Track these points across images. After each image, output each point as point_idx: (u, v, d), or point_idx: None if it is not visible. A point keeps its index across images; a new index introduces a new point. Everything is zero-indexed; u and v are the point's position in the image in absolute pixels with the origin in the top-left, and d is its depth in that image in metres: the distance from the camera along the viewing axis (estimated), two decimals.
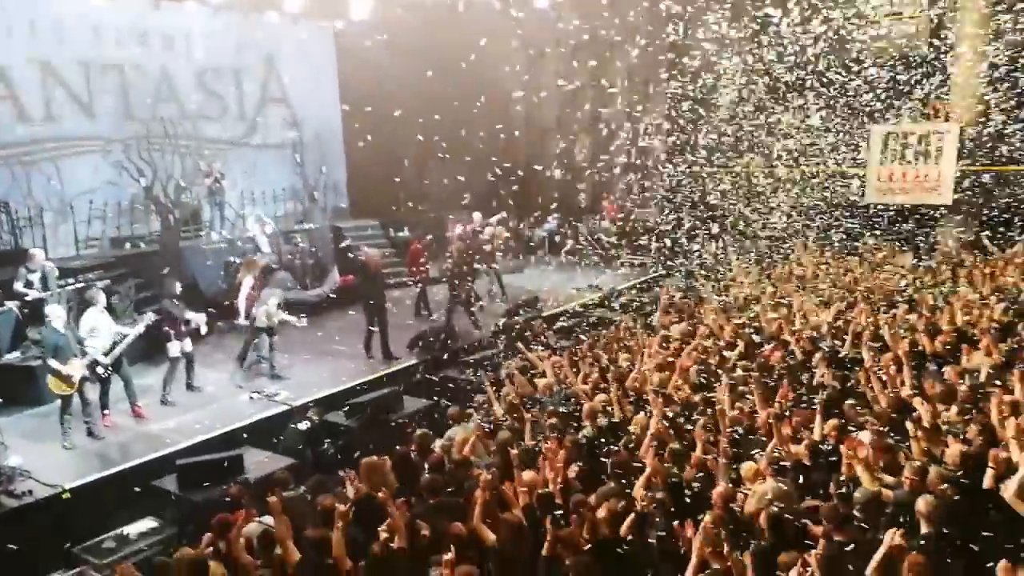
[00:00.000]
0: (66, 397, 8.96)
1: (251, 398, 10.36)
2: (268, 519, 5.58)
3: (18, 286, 10.89)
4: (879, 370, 7.52)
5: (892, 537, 4.67)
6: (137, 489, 7.78)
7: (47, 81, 15.11)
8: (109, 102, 16.02)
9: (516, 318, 13.07)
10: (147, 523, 7.27)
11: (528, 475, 6.02)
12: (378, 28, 16.48)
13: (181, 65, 17.19)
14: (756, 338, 9.56)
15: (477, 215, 16.03)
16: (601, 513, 5.37)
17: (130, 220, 16.21)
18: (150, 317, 10.03)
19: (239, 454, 8.19)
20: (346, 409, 9.49)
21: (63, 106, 15.40)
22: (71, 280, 11.96)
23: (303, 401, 9.86)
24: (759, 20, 17.11)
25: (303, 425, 8.90)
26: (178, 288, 10.80)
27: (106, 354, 9.41)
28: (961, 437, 6.06)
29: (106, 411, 9.64)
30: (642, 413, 7.26)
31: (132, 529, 7.14)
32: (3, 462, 7.91)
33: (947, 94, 15.87)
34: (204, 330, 10.75)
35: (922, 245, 15.47)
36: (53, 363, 8.88)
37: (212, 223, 16.37)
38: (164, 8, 16.47)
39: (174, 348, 10.39)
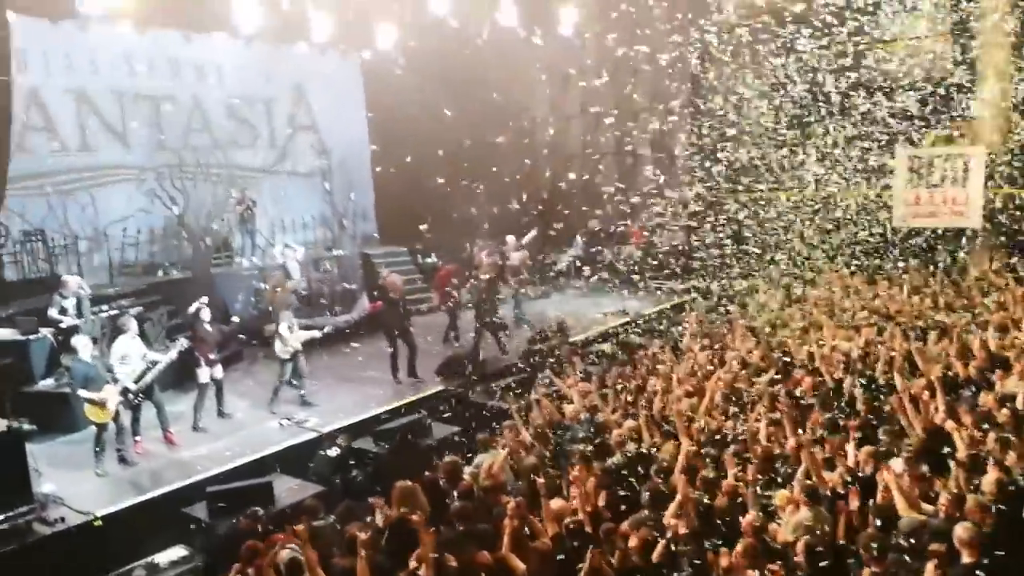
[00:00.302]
0: (102, 425, 9.06)
1: (281, 425, 10.42)
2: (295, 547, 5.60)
3: (52, 312, 11.08)
4: (912, 396, 7.41)
5: (932, 570, 4.58)
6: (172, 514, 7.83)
7: (82, 111, 15.45)
8: (142, 132, 16.33)
9: (543, 344, 13.05)
10: (177, 551, 7.32)
11: (556, 503, 5.99)
12: (404, 57, 16.69)
13: (212, 95, 17.51)
14: (786, 363, 9.48)
15: (511, 239, 16.11)
16: (633, 542, 5.33)
17: (163, 248, 16.46)
18: (183, 343, 10.16)
19: (269, 481, 8.25)
20: (375, 436, 9.51)
21: (98, 136, 15.73)
22: (104, 307, 12.17)
23: (332, 428, 9.90)
24: (784, 44, 17.13)
25: (332, 452, 8.94)
26: (208, 314, 10.92)
27: (136, 381, 9.55)
28: (999, 465, 5.95)
29: (137, 438, 9.75)
30: (672, 441, 7.21)
31: (162, 558, 7.20)
32: (37, 489, 7.99)
33: (973, 116, 15.72)
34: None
35: (952, 269, 15.25)
36: (84, 393, 9.02)
37: (243, 250, 16.57)
38: (195, 40, 16.82)
39: (204, 374, 10.50)
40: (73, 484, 8.71)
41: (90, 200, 15.49)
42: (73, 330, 10.95)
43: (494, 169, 17.63)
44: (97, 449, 9.08)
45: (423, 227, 18.12)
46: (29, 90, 14.39)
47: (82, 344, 9.29)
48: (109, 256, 15.23)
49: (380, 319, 13.30)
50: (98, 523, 7.87)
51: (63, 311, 11.16)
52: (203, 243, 15.83)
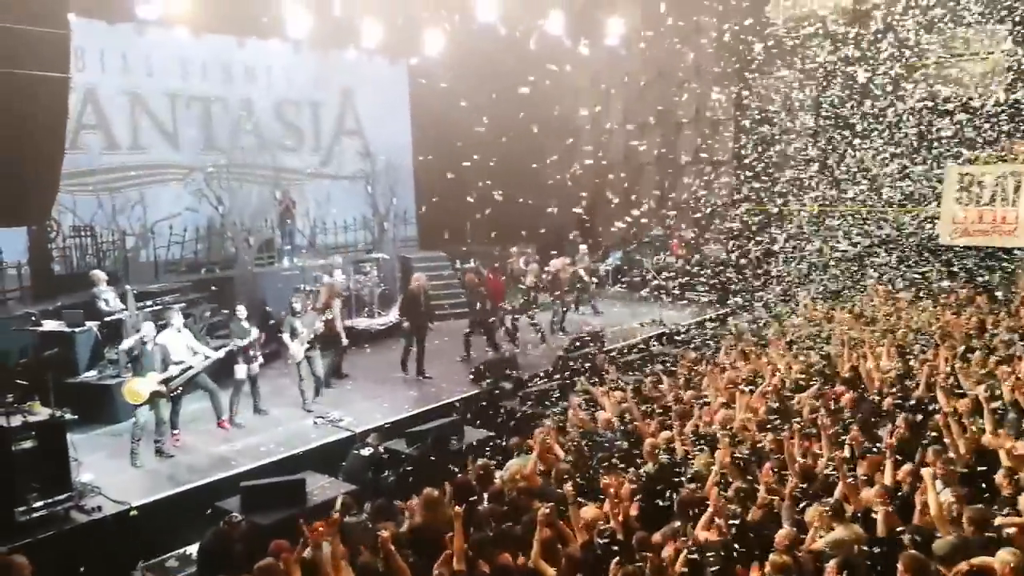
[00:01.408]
0: (140, 409, 9.25)
1: (315, 423, 10.51)
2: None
3: (101, 306, 11.37)
4: (956, 416, 7.20)
5: None
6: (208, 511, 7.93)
7: (136, 111, 15.86)
8: (193, 132, 16.70)
9: (579, 351, 12.99)
10: None
11: (588, 511, 5.94)
12: (450, 63, 16.81)
13: (262, 98, 17.84)
14: (825, 379, 9.30)
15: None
16: (667, 552, 5.25)
17: (207, 246, 16.77)
18: (236, 344, 10.46)
19: (301, 479, 8.30)
20: (407, 437, 9.54)
21: (149, 135, 16.12)
22: (148, 302, 12.42)
23: (366, 428, 9.95)
24: (833, 58, 16.91)
25: (365, 452, 8.98)
26: (244, 312, 11.09)
27: (180, 374, 9.73)
28: None
29: (176, 431, 9.91)
30: (704, 452, 7.11)
31: (195, 549, 7.27)
32: (75, 478, 8.16)
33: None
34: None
35: (1000, 288, 14.86)
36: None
37: (283, 250, 16.80)
38: (248, 44, 17.14)
39: (241, 371, 10.65)
40: (111, 474, 8.88)
41: (139, 198, 15.86)
42: (118, 324, 11.22)
43: (536, 177, 17.62)
44: (134, 439, 9.24)
45: (462, 237, 18.21)
46: (85, 89, 14.80)
47: (147, 330, 9.52)
48: (155, 253, 15.56)
49: (401, 313, 13.53)
50: (134, 513, 8.00)
51: (107, 303, 11.42)
52: (247, 243, 16.07)
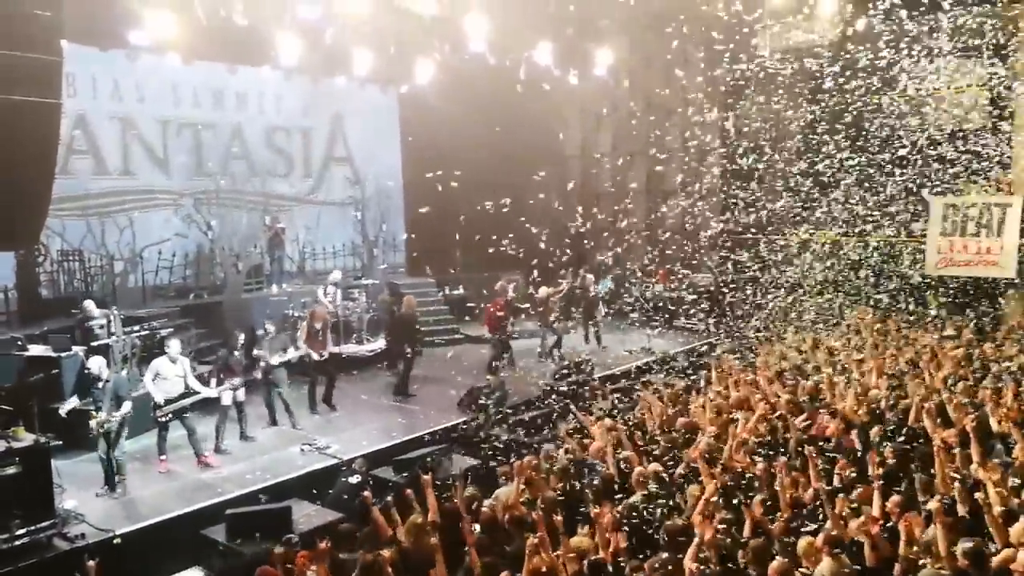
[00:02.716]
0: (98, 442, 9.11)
1: (302, 450, 10.44)
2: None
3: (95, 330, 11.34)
4: (945, 446, 7.22)
5: None
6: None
7: (126, 137, 15.90)
8: (183, 158, 16.75)
9: (566, 379, 12.99)
10: (194, 573, 7.33)
11: (577, 540, 5.91)
12: (441, 92, 16.93)
13: (252, 124, 17.92)
14: (813, 409, 9.31)
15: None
16: None
17: (196, 271, 16.74)
18: (232, 385, 10.45)
19: (287, 506, 8.24)
20: (394, 465, 9.49)
21: (140, 161, 16.16)
22: (136, 328, 12.35)
23: (352, 455, 9.89)
24: (819, 87, 17.14)
25: (352, 479, 8.92)
26: (241, 340, 11.06)
27: (169, 402, 9.68)
28: None
29: (163, 456, 9.84)
30: (695, 483, 7.09)
31: None
32: (59, 505, 8.07)
33: (1009, 166, 15.55)
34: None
35: (987, 319, 14.99)
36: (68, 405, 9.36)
37: (272, 276, 16.78)
38: (239, 72, 17.23)
39: (227, 397, 10.59)
40: (94, 501, 8.81)
41: (128, 223, 15.87)
42: (105, 349, 11.15)
43: (525, 204, 17.69)
44: (104, 465, 9.13)
45: (451, 264, 18.29)
46: (76, 115, 14.84)
47: (96, 365, 9.39)
48: (143, 278, 15.52)
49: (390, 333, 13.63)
50: (117, 541, 7.90)
51: (89, 331, 11.40)
52: (235, 268, 16.05)
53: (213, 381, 10.54)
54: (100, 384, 9.23)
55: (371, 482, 8.96)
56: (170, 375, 9.83)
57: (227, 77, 17.24)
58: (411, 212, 20.24)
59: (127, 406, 9.21)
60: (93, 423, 8.97)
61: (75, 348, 11.03)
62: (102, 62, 15.05)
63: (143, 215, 16.15)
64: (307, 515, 8.31)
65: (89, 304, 11.75)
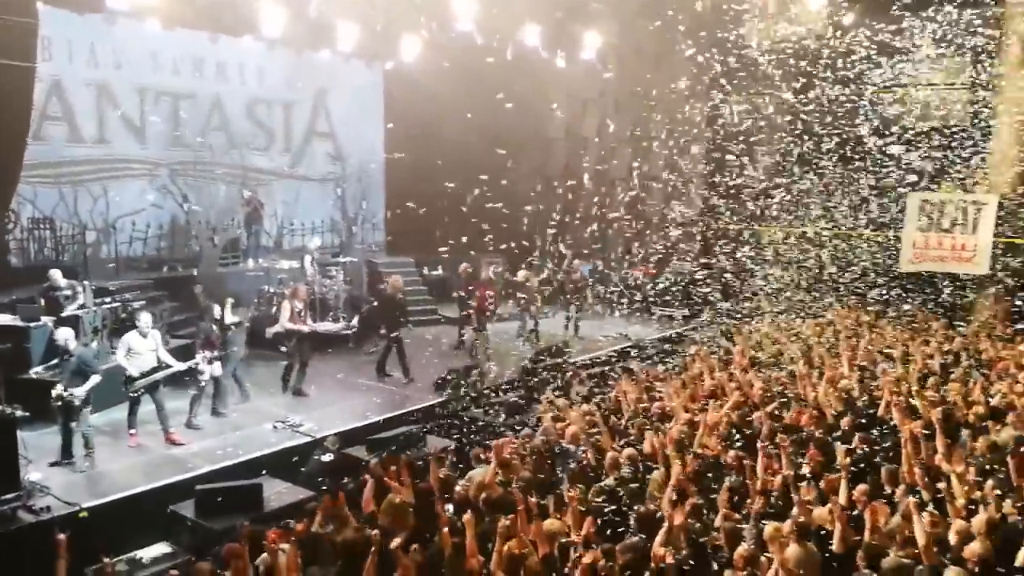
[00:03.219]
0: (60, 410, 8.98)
1: (274, 427, 10.36)
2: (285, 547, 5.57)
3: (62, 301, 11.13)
4: (910, 437, 7.31)
5: None
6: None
7: (102, 104, 15.57)
8: (161, 127, 16.45)
9: (544, 363, 12.99)
10: (161, 548, 7.25)
11: (549, 523, 5.91)
12: (427, 70, 16.78)
13: (233, 95, 17.64)
14: (786, 398, 9.39)
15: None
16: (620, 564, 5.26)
17: (170, 244, 16.52)
18: (204, 356, 10.30)
19: (258, 483, 8.18)
20: (368, 444, 9.45)
21: (115, 129, 15.85)
22: (107, 300, 12.18)
23: (326, 433, 9.83)
24: (803, 82, 17.19)
25: (325, 457, 8.87)
26: (217, 312, 10.94)
27: (142, 376, 9.57)
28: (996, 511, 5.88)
29: (133, 431, 9.71)
30: (665, 468, 7.12)
31: (146, 553, 7.12)
32: (24, 477, 7.94)
33: (986, 164, 15.71)
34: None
35: (958, 314, 15.19)
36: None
37: (249, 251, 16.60)
38: (221, 41, 16.95)
39: (206, 370, 10.47)
40: (61, 474, 8.71)
41: (102, 192, 15.59)
42: (75, 320, 10.97)
43: (508, 187, 17.64)
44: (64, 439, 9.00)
45: (432, 244, 18.22)
46: (51, 80, 14.51)
47: (63, 336, 9.22)
48: (116, 249, 15.28)
49: (375, 318, 13.46)
50: (83, 515, 7.80)
51: (55, 300, 11.21)
52: (211, 241, 15.85)
53: (199, 354, 10.40)
54: (67, 356, 9.07)
55: (343, 461, 8.94)
56: (142, 349, 9.68)
57: (208, 46, 16.94)
58: (392, 190, 20.11)
59: (94, 379, 9.05)
60: (54, 394, 8.80)
61: (44, 318, 10.85)
62: (79, 26, 14.73)
63: (118, 184, 15.86)
64: (278, 492, 8.25)
65: (55, 273, 11.52)
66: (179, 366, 9.98)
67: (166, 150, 16.63)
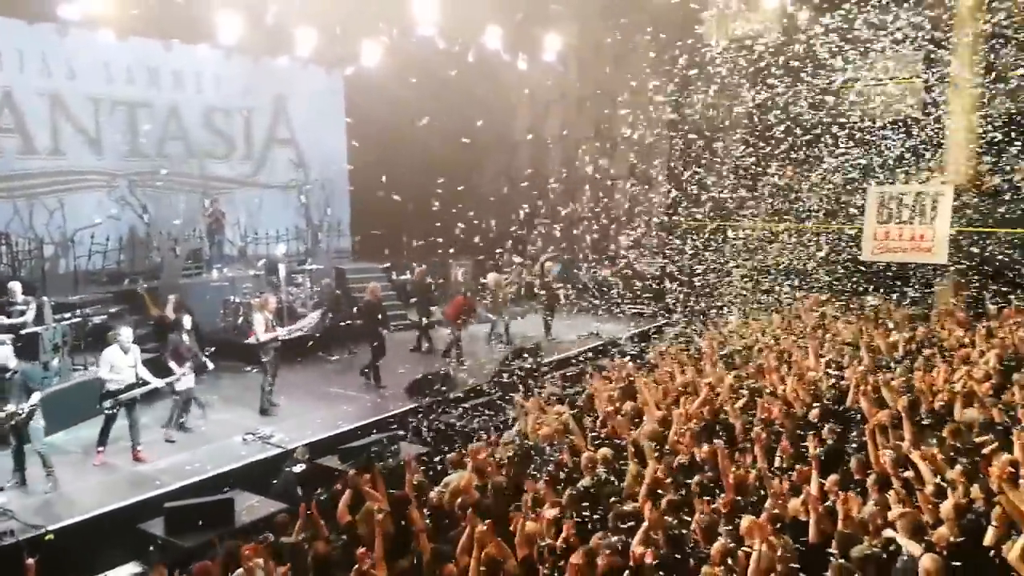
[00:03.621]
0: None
1: (244, 440, 10.20)
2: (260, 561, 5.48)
3: (2, 319, 10.82)
4: (877, 426, 7.41)
5: None
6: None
7: (56, 115, 15.26)
8: (117, 138, 16.19)
9: (516, 364, 12.97)
10: (131, 568, 7.10)
11: (529, 526, 5.89)
12: (388, 75, 16.69)
13: (190, 104, 17.40)
14: (757, 392, 9.47)
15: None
16: (600, 564, 5.25)
17: (131, 256, 16.22)
18: (182, 373, 10.18)
19: (230, 498, 8.03)
20: (340, 454, 9.34)
21: (70, 140, 15.56)
22: (67, 315, 11.91)
23: (297, 444, 9.70)
24: (762, 78, 17.41)
25: (297, 468, 8.76)
26: (188, 323, 10.77)
27: (120, 391, 9.39)
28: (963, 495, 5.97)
29: (100, 448, 9.48)
30: (640, 465, 7.14)
31: (116, 574, 6.96)
32: None
33: (941, 156, 16.03)
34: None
35: (920, 303, 15.46)
36: None
37: (211, 261, 16.36)
38: (176, 49, 16.70)
39: (186, 382, 10.37)
40: (24, 496, 8.47)
41: (58, 205, 15.29)
42: (35, 337, 10.70)
43: (474, 189, 17.64)
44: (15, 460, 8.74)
45: (399, 249, 18.13)
46: (1, 90, 14.19)
47: (2, 355, 8.89)
48: (75, 262, 14.95)
49: (358, 325, 13.40)
50: (49, 537, 7.60)
51: (11, 316, 10.89)
52: (173, 252, 15.59)
53: (172, 365, 10.24)
54: (8, 375, 8.76)
55: (316, 471, 8.83)
56: (123, 365, 9.47)
57: (163, 54, 16.70)
58: (357, 196, 19.96)
59: (35, 397, 8.71)
60: (1, 415, 8.54)
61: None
62: (29, 35, 14.47)
63: (74, 197, 15.57)
64: (250, 506, 8.11)
65: (14, 286, 11.24)
66: (157, 382, 9.78)
67: (123, 161, 16.35)
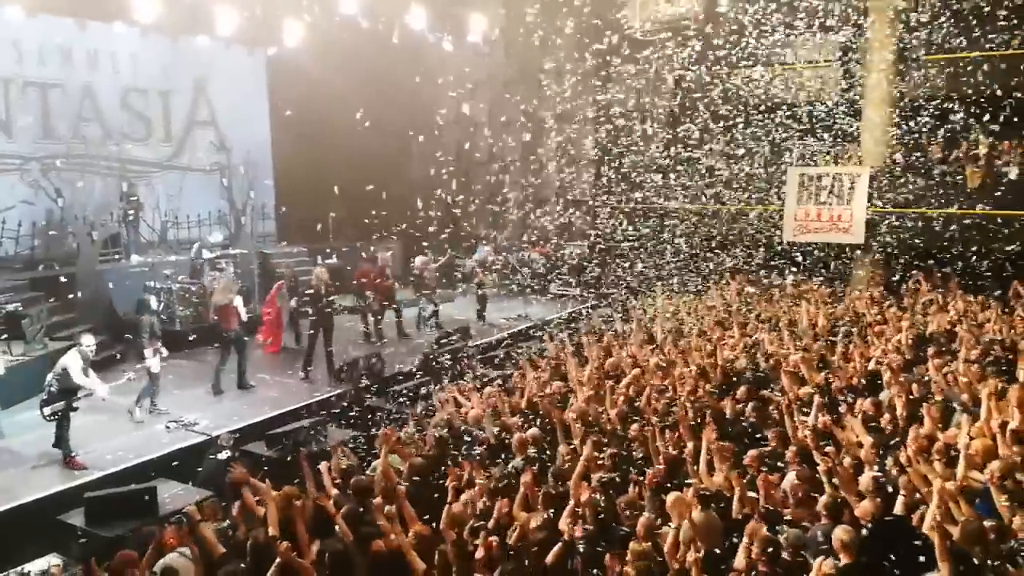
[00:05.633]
0: None
1: (168, 428, 9.98)
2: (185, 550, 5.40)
3: None
4: (794, 402, 7.69)
5: (819, 567, 4.78)
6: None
7: None
8: (28, 120, 15.53)
9: (445, 347, 12.98)
10: (51, 560, 6.90)
11: (456, 508, 5.94)
12: (311, 55, 16.39)
13: (106, 85, 16.80)
14: (681, 370, 9.70)
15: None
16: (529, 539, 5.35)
17: (46, 241, 15.62)
18: (155, 349, 10.11)
19: (152, 487, 7.87)
20: (266, 440, 9.24)
21: None
22: None
23: (222, 431, 9.54)
24: (682, 65, 17.74)
25: (222, 456, 8.62)
26: (154, 303, 10.60)
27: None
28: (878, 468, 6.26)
29: (74, 454, 8.98)
30: (568, 444, 7.26)
31: (34, 567, 6.78)
32: None
33: (859, 138, 16.62)
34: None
35: (839, 283, 16.04)
36: None
37: (128, 247, 15.86)
38: (90, 28, 16.07)
39: (155, 363, 10.21)
40: None
41: None
42: None
43: (401, 172, 17.52)
44: None
45: (321, 227, 17.90)
46: None
47: None
48: None
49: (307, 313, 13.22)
50: None
51: None
52: (90, 237, 15.05)
53: (147, 351, 10.13)
54: None
55: (242, 458, 8.70)
56: (75, 369, 8.95)
57: (76, 33, 16.04)
58: (281, 179, 19.61)
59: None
60: None
61: None
62: None
63: None
64: (174, 495, 7.97)
65: None
66: (100, 391, 9.16)
67: (35, 143, 15.71)
